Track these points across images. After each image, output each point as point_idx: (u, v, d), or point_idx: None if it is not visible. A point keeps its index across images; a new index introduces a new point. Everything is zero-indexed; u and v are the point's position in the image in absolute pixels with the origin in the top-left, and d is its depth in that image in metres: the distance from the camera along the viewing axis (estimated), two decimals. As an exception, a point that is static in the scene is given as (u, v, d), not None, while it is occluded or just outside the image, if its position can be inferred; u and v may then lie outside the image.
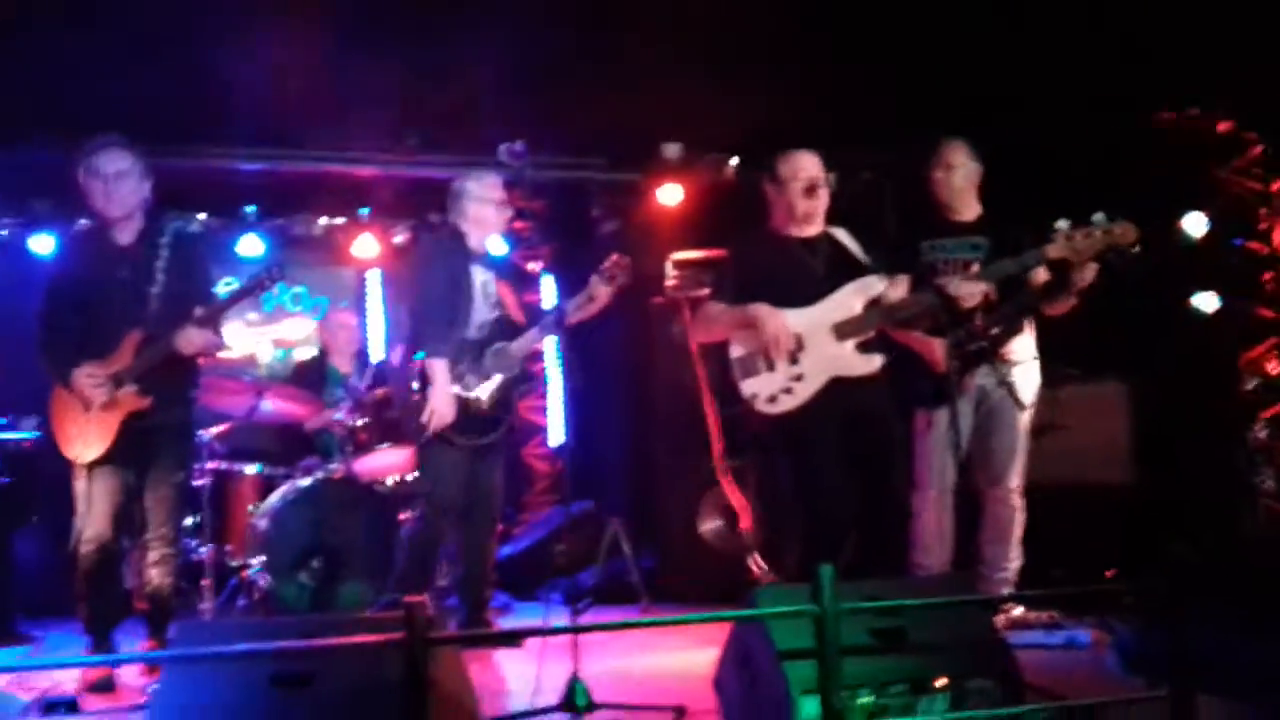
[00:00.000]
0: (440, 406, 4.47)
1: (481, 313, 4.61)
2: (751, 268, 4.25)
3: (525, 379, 4.65)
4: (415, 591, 4.43)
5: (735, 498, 5.65)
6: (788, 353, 4.07)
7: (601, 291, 4.50)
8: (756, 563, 5.48)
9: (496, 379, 4.56)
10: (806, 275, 4.19)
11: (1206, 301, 5.82)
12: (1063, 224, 4.02)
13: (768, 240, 4.32)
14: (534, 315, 4.74)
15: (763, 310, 4.07)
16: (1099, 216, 3.99)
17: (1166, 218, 5.42)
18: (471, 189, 4.64)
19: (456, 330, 4.56)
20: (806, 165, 4.22)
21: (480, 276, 4.66)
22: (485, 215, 4.66)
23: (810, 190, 4.18)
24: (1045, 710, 2.99)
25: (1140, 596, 3.96)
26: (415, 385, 4.54)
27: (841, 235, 4.29)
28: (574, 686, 3.21)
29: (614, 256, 4.52)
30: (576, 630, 3.38)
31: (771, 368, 4.10)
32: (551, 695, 3.30)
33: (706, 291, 4.80)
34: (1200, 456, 5.61)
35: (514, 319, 4.71)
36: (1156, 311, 5.59)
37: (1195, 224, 5.72)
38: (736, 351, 4.18)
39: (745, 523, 5.59)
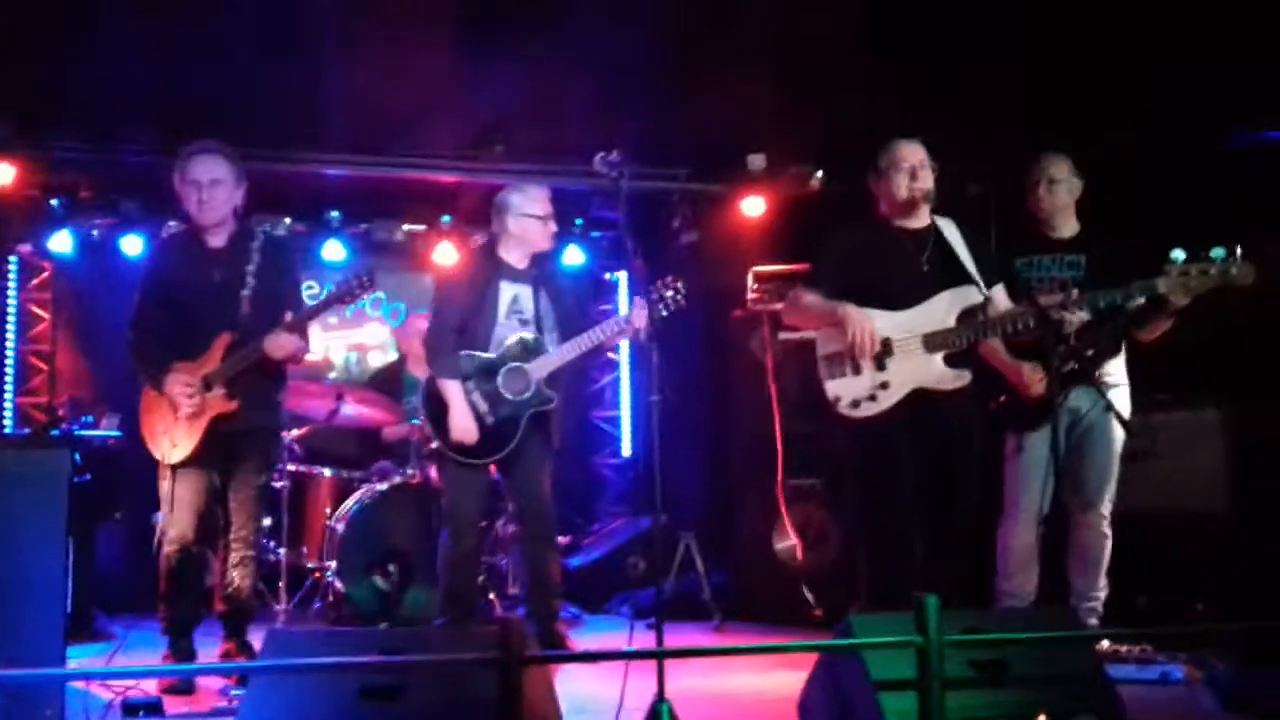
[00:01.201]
0: (460, 426, 4.37)
1: (504, 330, 4.48)
2: (851, 256, 4.13)
3: (543, 400, 4.45)
4: (462, 614, 4.43)
5: (788, 519, 5.55)
6: (874, 357, 3.96)
7: (640, 318, 4.36)
8: (809, 595, 5.40)
9: (506, 399, 4.41)
10: (909, 270, 4.06)
11: (1309, 325, 5.59)
12: (1178, 256, 3.86)
13: (871, 229, 4.19)
14: (566, 330, 4.56)
15: (851, 311, 3.96)
16: (1217, 252, 3.82)
17: (1270, 235, 5.22)
18: (514, 202, 4.52)
19: (474, 347, 4.44)
20: (908, 152, 4.10)
21: (510, 292, 4.51)
22: (527, 230, 4.52)
23: (914, 175, 4.06)
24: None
25: (1249, 632, 3.81)
26: (421, 405, 4.51)
27: (949, 229, 4.14)
28: (659, 708, 3.15)
29: (665, 279, 4.35)
30: (663, 655, 3.32)
31: (857, 371, 3.99)
32: (635, 715, 3.24)
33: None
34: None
35: (566, 329, 4.58)
36: (1256, 334, 5.38)
37: (1299, 245, 5.50)
38: (823, 349, 4.07)
39: (798, 552, 5.50)
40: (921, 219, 4.14)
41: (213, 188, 4.16)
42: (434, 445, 4.59)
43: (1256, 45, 4.73)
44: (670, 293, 4.32)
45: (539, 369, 4.45)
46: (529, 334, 4.50)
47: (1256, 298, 4.10)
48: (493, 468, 4.59)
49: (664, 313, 4.32)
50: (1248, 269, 3.83)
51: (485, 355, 4.46)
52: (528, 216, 4.51)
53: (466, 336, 4.45)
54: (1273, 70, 4.87)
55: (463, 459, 4.43)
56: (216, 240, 4.26)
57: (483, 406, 4.41)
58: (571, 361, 4.54)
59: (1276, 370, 5.41)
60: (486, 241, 4.79)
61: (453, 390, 4.39)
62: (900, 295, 4.00)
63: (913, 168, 4.07)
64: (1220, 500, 5.15)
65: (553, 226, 4.60)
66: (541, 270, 4.67)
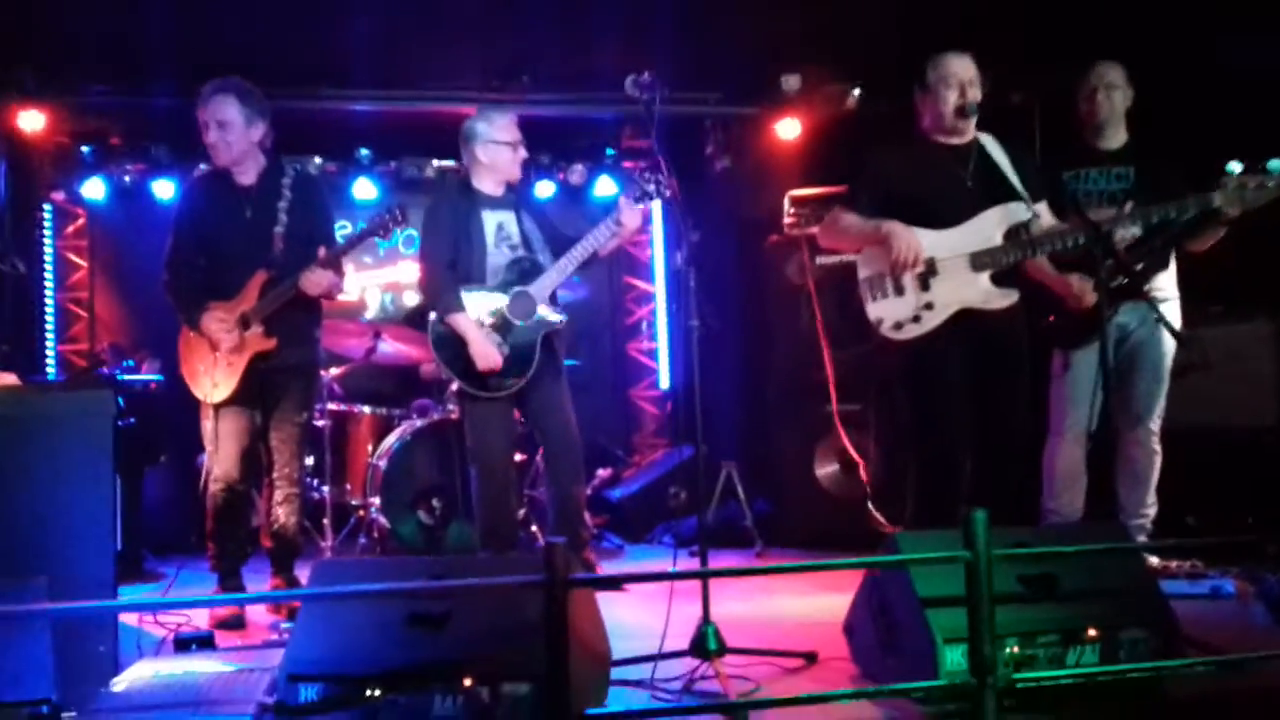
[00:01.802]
0: (482, 354, 4.26)
1: (497, 257, 4.39)
2: (893, 174, 4.00)
3: (553, 319, 4.36)
4: (503, 545, 4.37)
5: (850, 447, 5.50)
6: (918, 277, 3.86)
7: (631, 215, 4.29)
8: (875, 512, 5.35)
9: (516, 325, 4.32)
10: (954, 187, 3.93)
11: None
12: (1234, 168, 3.75)
13: (914, 147, 4.06)
14: (557, 247, 4.45)
15: (897, 228, 3.83)
16: (1275, 164, 3.71)
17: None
18: (481, 130, 4.40)
19: (469, 281, 4.35)
20: (958, 68, 3.94)
21: (493, 220, 4.42)
22: (497, 157, 4.41)
23: (963, 91, 3.92)
24: (1204, 663, 2.84)
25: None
26: (432, 348, 4.39)
27: (991, 145, 4.02)
28: (705, 630, 3.15)
29: (643, 170, 4.20)
30: (707, 575, 3.31)
31: (900, 292, 3.88)
32: (680, 639, 3.25)
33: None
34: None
35: (556, 247, 4.46)
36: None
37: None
38: (865, 271, 3.96)
39: (862, 471, 5.45)
40: (966, 135, 4.01)
41: (221, 129, 4.13)
42: (455, 386, 4.51)
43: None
44: (651, 184, 4.17)
45: (541, 289, 4.36)
46: (524, 256, 4.41)
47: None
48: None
49: (654, 199, 4.22)
50: None
51: (485, 286, 4.37)
52: (496, 143, 4.40)
53: (460, 271, 4.36)
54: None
55: (485, 393, 4.33)
56: (246, 178, 4.24)
57: (496, 337, 4.32)
58: (575, 272, 4.44)
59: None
60: (457, 175, 4.68)
61: (464, 322, 4.28)
62: (944, 213, 3.88)
63: (962, 84, 3.92)
64: (1272, 414, 5.07)
65: (522, 153, 4.48)
66: (519, 195, 4.59)
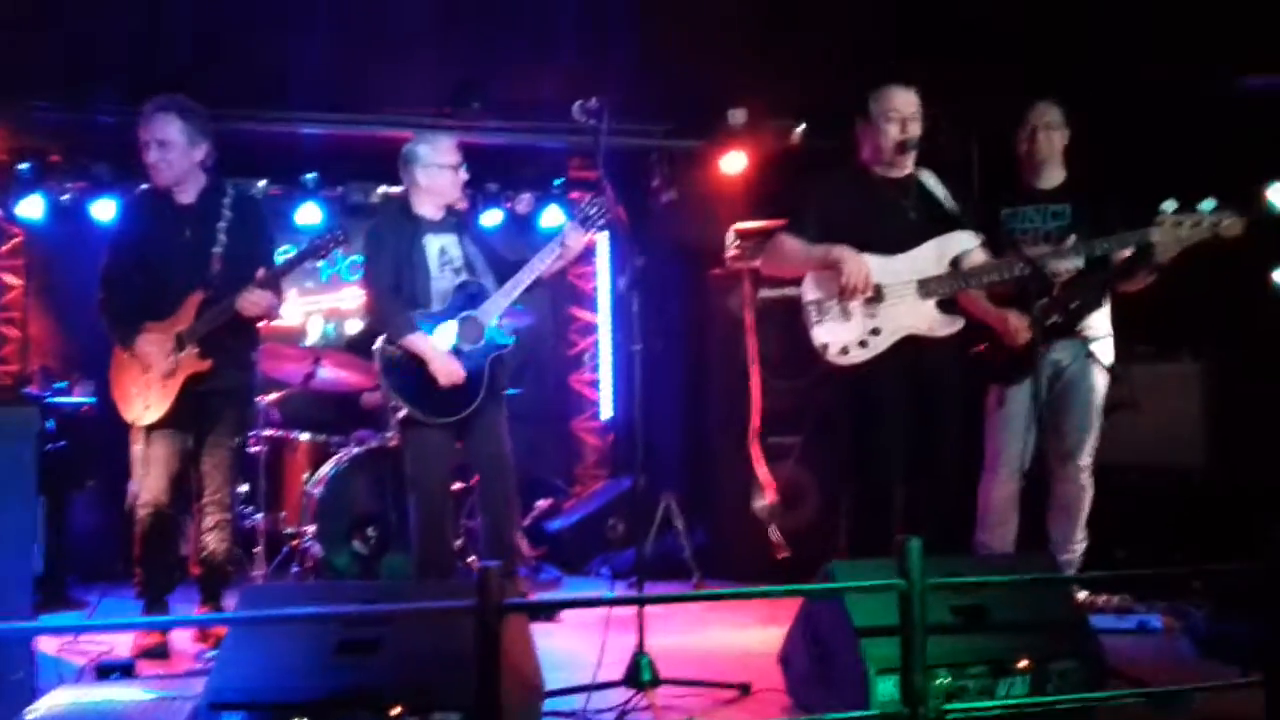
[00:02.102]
0: (444, 370, 4.19)
1: (441, 282, 4.33)
2: (836, 204, 4.01)
3: (500, 342, 4.32)
4: (439, 576, 4.26)
5: (765, 473, 5.52)
6: (866, 302, 3.87)
7: (575, 238, 4.27)
8: (775, 535, 5.37)
9: (465, 351, 4.27)
10: (895, 218, 3.96)
11: (1288, 277, 5.60)
12: (1169, 206, 3.82)
13: (855, 177, 4.08)
14: (500, 272, 4.41)
15: (847, 253, 3.84)
16: (1208, 204, 3.80)
17: (1251, 188, 5.21)
18: (422, 153, 4.35)
19: (414, 306, 4.28)
20: (900, 102, 3.98)
21: (436, 244, 4.36)
22: (437, 181, 4.36)
23: (904, 127, 3.96)
24: (1134, 694, 2.88)
25: (1222, 581, 3.84)
26: (380, 375, 4.33)
27: (930, 180, 4.07)
28: (639, 660, 3.13)
29: (589, 196, 4.25)
30: (642, 601, 3.30)
31: (847, 316, 3.89)
32: (614, 669, 3.23)
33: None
34: (1276, 438, 5.42)
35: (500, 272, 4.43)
36: (1236, 287, 5.38)
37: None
38: (810, 295, 3.95)
39: (771, 496, 5.48)
40: (904, 168, 4.05)
41: (162, 148, 4.09)
42: (402, 414, 4.37)
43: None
44: (595, 209, 4.21)
45: (488, 313, 4.32)
46: (469, 280, 4.36)
47: (1236, 251, 4.11)
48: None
49: (599, 226, 4.26)
50: (1237, 221, 3.82)
51: (431, 311, 4.30)
52: (437, 166, 4.35)
53: (405, 295, 4.29)
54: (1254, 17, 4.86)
55: (434, 419, 4.27)
56: (185, 197, 4.19)
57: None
58: (519, 298, 4.40)
59: (1253, 323, 5.44)
60: (397, 200, 4.64)
61: (420, 342, 4.21)
62: (888, 242, 3.92)
63: (904, 118, 3.97)
64: (1198, 452, 5.18)
65: (463, 175, 4.44)
66: (461, 219, 4.55)
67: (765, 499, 5.66)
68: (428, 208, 4.40)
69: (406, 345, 4.23)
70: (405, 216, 4.41)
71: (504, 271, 4.41)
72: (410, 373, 4.24)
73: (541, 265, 4.34)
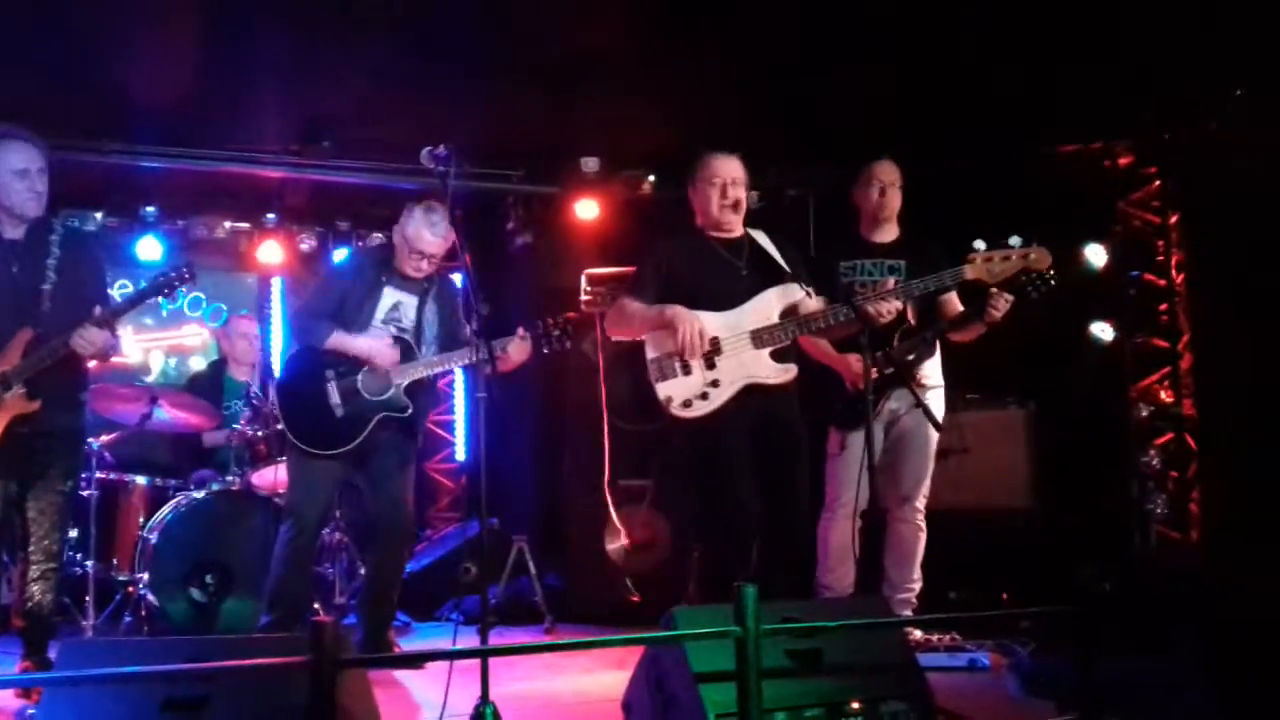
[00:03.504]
0: (378, 349, 4.37)
1: (375, 333, 4.43)
2: (672, 265, 4.18)
3: (397, 405, 4.41)
4: (288, 614, 4.34)
5: (618, 517, 5.62)
6: (704, 356, 4.02)
7: (519, 351, 4.36)
8: (628, 582, 5.47)
9: (360, 396, 4.39)
10: (728, 276, 4.13)
11: (1104, 330, 5.98)
12: (980, 245, 4.08)
13: (689, 239, 4.27)
14: (446, 347, 4.54)
15: (680, 311, 4.01)
16: (1015, 240, 4.06)
17: (1069, 247, 5.56)
18: (407, 223, 4.44)
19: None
20: (721, 169, 4.19)
21: (391, 299, 4.48)
22: (408, 249, 4.44)
23: (724, 192, 4.16)
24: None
25: (1044, 620, 4.03)
26: (273, 404, 4.44)
27: (762, 238, 4.26)
28: (483, 711, 3.11)
29: (555, 318, 4.39)
30: (487, 654, 3.28)
31: (688, 371, 4.03)
32: None
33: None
34: (1097, 482, 5.75)
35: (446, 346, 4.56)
36: (1057, 339, 5.72)
37: (1096, 255, 5.88)
38: (652, 353, 4.09)
39: (628, 541, 5.57)
40: (735, 230, 4.25)
41: (41, 176, 3.97)
42: (290, 439, 4.46)
43: (1057, 58, 5.04)
44: (558, 332, 4.36)
45: (401, 374, 4.41)
46: (403, 338, 4.46)
47: (1055, 305, 4.38)
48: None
49: (544, 350, 4.37)
50: (1043, 252, 4.09)
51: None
52: (414, 247, 4.42)
53: (340, 328, 4.40)
54: (1074, 81, 5.20)
55: (311, 450, 4.38)
56: (13, 233, 4.01)
57: (335, 398, 4.39)
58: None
59: (1074, 372, 5.79)
60: (385, 245, 4.73)
61: (344, 338, 4.37)
62: (722, 299, 4.08)
63: (724, 183, 4.17)
64: (1024, 496, 5.45)
65: (428, 267, 4.49)
66: (438, 285, 4.61)
67: (618, 542, 5.72)
68: (406, 265, 4.48)
69: (334, 345, 4.38)
70: (382, 263, 4.54)
71: (451, 347, 4.52)
72: (302, 401, 4.37)
73: (469, 358, 4.25)
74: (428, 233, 4.42)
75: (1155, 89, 5.37)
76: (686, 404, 4.03)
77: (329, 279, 4.59)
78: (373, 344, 4.40)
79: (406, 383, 4.43)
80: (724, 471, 4.02)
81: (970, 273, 4.11)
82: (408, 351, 4.46)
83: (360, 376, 4.40)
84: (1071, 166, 5.94)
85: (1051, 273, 4.14)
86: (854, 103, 5.33)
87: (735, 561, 3.92)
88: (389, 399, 4.41)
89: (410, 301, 4.52)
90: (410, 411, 4.45)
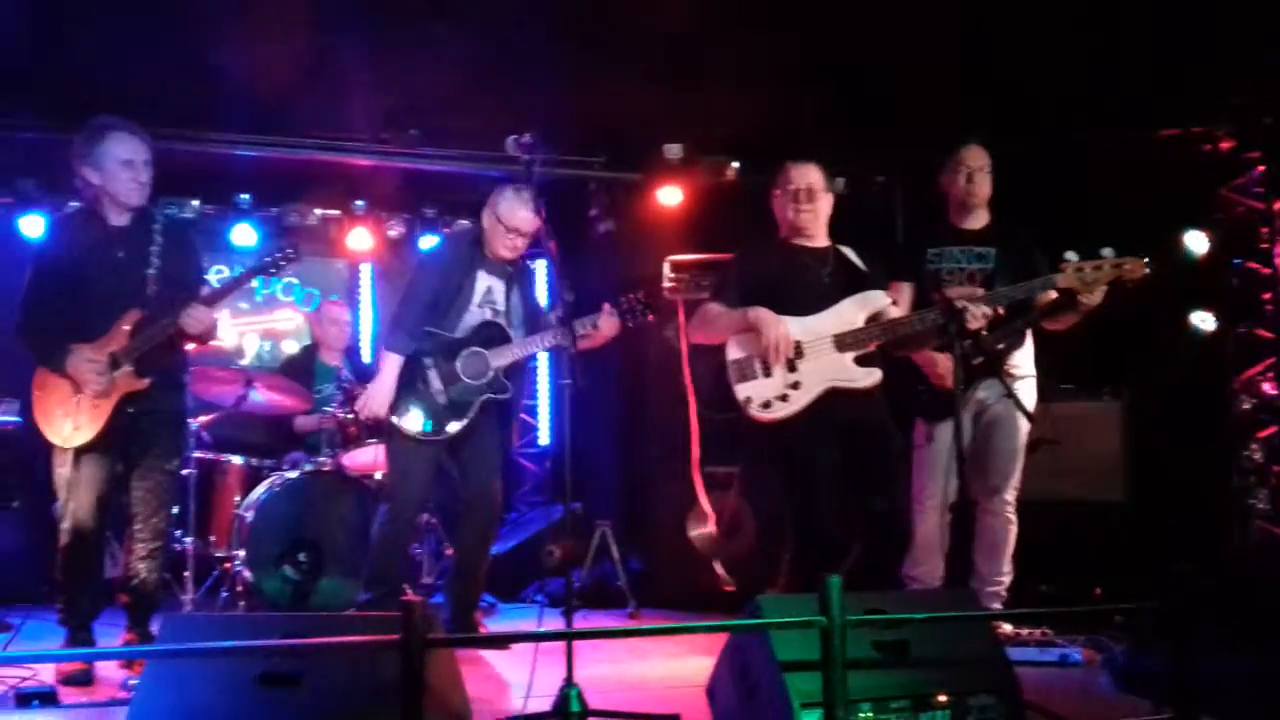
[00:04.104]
0: (374, 397, 4.46)
1: (474, 317, 4.53)
2: (757, 272, 4.22)
3: (498, 388, 4.49)
4: (387, 593, 4.43)
5: (707, 502, 5.61)
6: (786, 359, 4.03)
7: (609, 325, 4.41)
8: (720, 570, 5.47)
9: (461, 381, 4.46)
10: (812, 284, 4.16)
11: (1205, 320, 5.80)
12: (1072, 256, 4.02)
13: (775, 247, 4.31)
14: (530, 329, 4.63)
15: (764, 314, 4.04)
16: (1108, 251, 3.99)
17: (1168, 235, 5.40)
18: (499, 202, 4.53)
19: (442, 328, 4.49)
20: (796, 176, 4.22)
21: (485, 283, 4.57)
22: (498, 234, 4.53)
23: (797, 199, 4.19)
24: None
25: (1139, 616, 3.94)
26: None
27: (849, 252, 4.29)
28: (568, 693, 3.15)
29: (634, 293, 4.43)
30: (572, 636, 3.32)
31: (768, 373, 4.05)
32: (544, 700, 3.24)
33: (704, 295, 4.75)
34: (1194, 476, 5.59)
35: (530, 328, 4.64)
36: (1155, 329, 5.56)
37: (1196, 242, 5.71)
38: (733, 354, 4.12)
39: (715, 528, 5.57)
40: (818, 237, 4.27)
41: (146, 167, 4.10)
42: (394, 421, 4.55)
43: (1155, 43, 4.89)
44: (641, 305, 4.41)
45: (499, 357, 4.49)
46: (497, 322, 4.54)
47: (1154, 294, 4.26)
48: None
49: (629, 324, 4.42)
50: (1137, 263, 4.00)
51: (449, 335, 4.50)
52: (504, 227, 4.50)
53: (436, 315, 4.49)
54: (1173, 66, 5.04)
55: (420, 436, 4.46)
56: (118, 220, 4.14)
57: (437, 384, 4.48)
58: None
59: (1170, 363, 5.62)
60: (473, 229, 4.80)
61: (393, 364, 4.45)
62: (805, 305, 4.10)
63: (798, 190, 4.19)
64: (1117, 488, 5.33)
65: (521, 244, 4.57)
66: (519, 269, 4.71)
67: (706, 528, 5.72)
68: (500, 245, 4.55)
69: (382, 356, 4.54)
70: (473, 247, 4.62)
71: (534, 328, 4.61)
72: (403, 389, 4.46)
73: (564, 340, 4.36)
74: (522, 210, 4.47)
75: (1256, 72, 5.18)
76: (766, 405, 4.04)
77: (419, 277, 4.65)
78: (382, 394, 4.45)
79: (506, 365, 4.50)
80: (811, 481, 4.04)
81: (1063, 282, 4.05)
82: (501, 335, 4.52)
83: (459, 362, 4.48)
84: (1170, 151, 5.76)
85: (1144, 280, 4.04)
86: (948, 88, 5.23)
87: (824, 554, 3.91)
88: (489, 381, 4.49)
89: (499, 286, 4.60)
90: (510, 394, 4.53)
